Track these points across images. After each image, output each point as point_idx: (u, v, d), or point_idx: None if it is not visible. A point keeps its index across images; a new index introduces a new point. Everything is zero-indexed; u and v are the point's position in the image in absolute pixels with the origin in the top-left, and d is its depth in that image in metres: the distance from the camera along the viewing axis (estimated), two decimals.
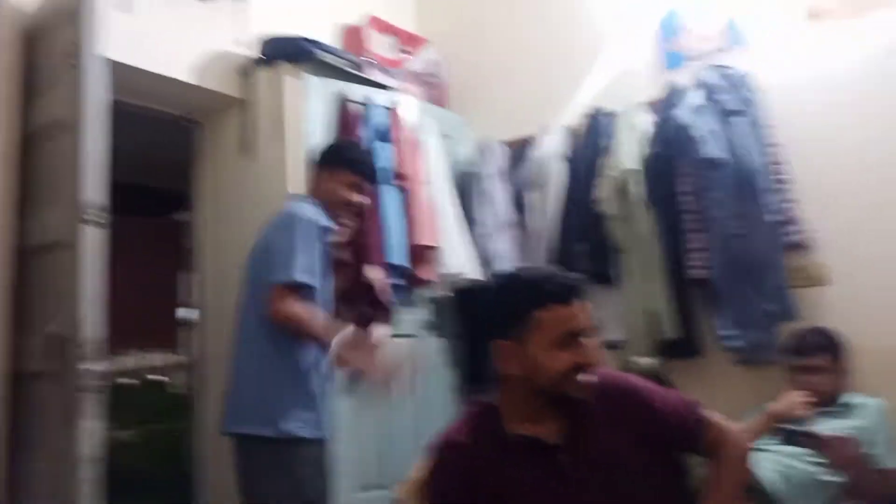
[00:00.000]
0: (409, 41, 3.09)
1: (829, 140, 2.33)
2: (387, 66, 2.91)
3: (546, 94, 2.93)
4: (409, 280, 2.48)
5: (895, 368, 2.18)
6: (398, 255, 2.38)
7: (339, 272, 2.27)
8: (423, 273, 2.49)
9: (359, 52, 2.81)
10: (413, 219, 2.46)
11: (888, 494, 1.97)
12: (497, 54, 3.10)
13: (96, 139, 1.61)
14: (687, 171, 2.33)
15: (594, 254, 2.54)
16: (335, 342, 1.75)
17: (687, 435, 1.27)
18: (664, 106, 2.46)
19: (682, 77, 2.52)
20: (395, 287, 2.37)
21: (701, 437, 1.27)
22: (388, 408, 2.37)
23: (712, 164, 2.23)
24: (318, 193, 1.96)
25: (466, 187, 2.85)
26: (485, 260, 2.67)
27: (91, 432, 1.49)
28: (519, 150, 2.86)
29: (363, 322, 2.28)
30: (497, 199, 2.77)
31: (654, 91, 2.58)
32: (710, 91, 2.36)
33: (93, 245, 1.57)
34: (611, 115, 2.63)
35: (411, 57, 3.07)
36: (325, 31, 2.79)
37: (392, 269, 2.36)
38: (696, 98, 2.36)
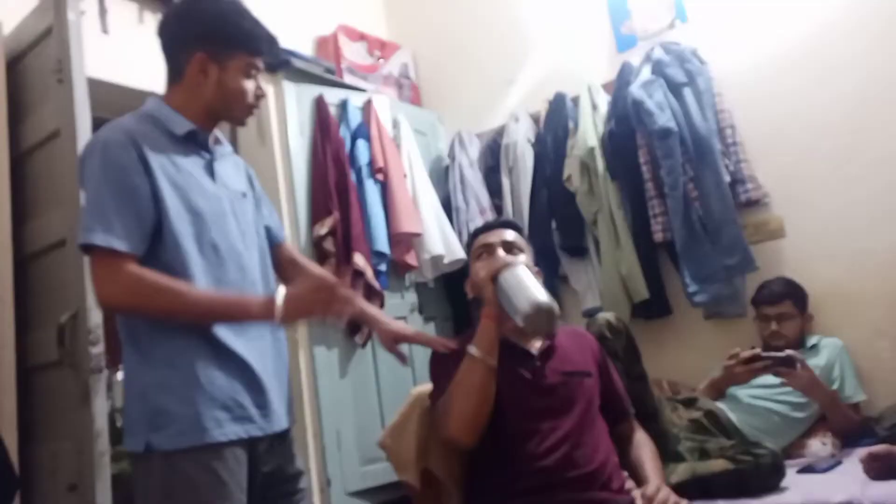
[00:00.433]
0: (381, 47, 3.25)
1: (774, 102, 2.49)
2: (361, 70, 3.08)
3: (511, 84, 3.09)
4: (393, 266, 2.63)
5: (849, 309, 2.32)
6: (381, 242, 2.52)
7: (324, 262, 2.42)
8: (407, 259, 2.63)
9: (333, 59, 2.97)
10: (394, 208, 2.60)
11: (856, 427, 2.10)
12: (463, 53, 3.26)
13: None
14: (643, 142, 2.48)
15: (566, 229, 2.69)
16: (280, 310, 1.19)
17: (621, 403, 1.67)
18: (618, 85, 2.61)
19: (635, 57, 2.68)
20: (380, 273, 2.51)
21: (628, 416, 1.68)
22: (388, 384, 2.52)
23: (664, 133, 2.38)
24: (192, 94, 1.27)
25: (444, 178, 3.01)
26: (468, 242, 2.82)
27: (102, 409, 1.64)
28: (490, 139, 3.02)
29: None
30: (474, 186, 2.92)
31: (611, 73, 2.74)
32: (658, 67, 2.51)
33: None
34: (572, 99, 2.78)
35: (384, 61, 3.24)
36: (300, 42, 2.95)
37: (376, 256, 2.50)
38: (646, 74, 2.51)
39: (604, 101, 2.68)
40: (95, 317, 1.69)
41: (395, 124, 2.84)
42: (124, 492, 1.21)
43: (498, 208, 2.92)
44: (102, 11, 2.26)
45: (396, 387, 2.52)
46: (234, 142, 2.59)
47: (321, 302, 1.21)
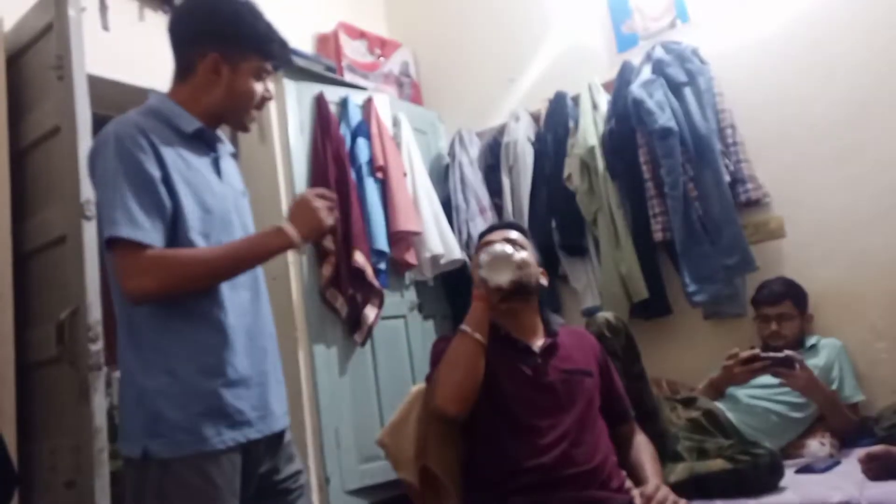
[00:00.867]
0: (381, 45, 3.25)
1: (774, 102, 2.48)
2: (361, 69, 3.08)
3: (512, 83, 3.09)
4: (392, 264, 2.63)
5: (848, 310, 2.32)
6: (381, 241, 2.52)
7: (324, 260, 2.42)
8: (406, 257, 2.63)
9: (334, 57, 2.97)
10: (394, 207, 2.60)
11: (855, 427, 2.10)
12: (464, 51, 3.27)
13: (89, 142, 1.74)
14: (643, 142, 2.48)
15: (566, 228, 2.69)
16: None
17: (622, 405, 1.68)
18: (619, 84, 2.61)
19: (636, 56, 2.68)
20: (379, 271, 2.51)
21: (629, 419, 1.69)
22: (387, 382, 2.52)
23: (664, 133, 2.38)
24: (201, 92, 1.26)
25: (445, 177, 3.00)
26: (467, 242, 2.82)
27: (100, 406, 1.64)
28: (490, 138, 3.02)
29: (354, 307, 2.43)
30: (474, 185, 2.92)
31: (612, 72, 2.74)
32: (659, 66, 2.51)
33: (91, 239, 1.71)
34: (573, 98, 2.78)
35: (385, 59, 3.24)
36: (300, 39, 2.95)
37: (376, 255, 2.50)
38: (646, 74, 2.51)
39: (604, 100, 2.68)
40: (95, 314, 1.69)
41: (396, 122, 2.84)
42: (122, 489, 1.19)
43: (498, 207, 2.92)
44: (103, 8, 2.26)
45: (395, 385, 2.52)
46: (234, 139, 2.59)
47: (317, 209, 1.24)
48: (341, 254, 2.41)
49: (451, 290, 2.86)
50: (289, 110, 2.53)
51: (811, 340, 2.26)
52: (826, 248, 2.38)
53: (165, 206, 1.15)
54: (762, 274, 2.36)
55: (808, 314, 2.30)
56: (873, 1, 2.33)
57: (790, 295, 2.26)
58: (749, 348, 2.28)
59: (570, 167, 2.67)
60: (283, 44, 1.31)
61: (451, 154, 3.00)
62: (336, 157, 2.52)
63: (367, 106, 2.74)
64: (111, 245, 1.13)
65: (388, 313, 2.55)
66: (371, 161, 2.61)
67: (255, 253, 1.21)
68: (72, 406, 1.69)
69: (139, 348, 1.16)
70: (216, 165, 1.28)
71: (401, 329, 2.66)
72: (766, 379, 2.07)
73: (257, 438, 1.20)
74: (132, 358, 1.17)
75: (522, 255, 1.62)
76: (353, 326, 2.44)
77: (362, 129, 2.66)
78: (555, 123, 2.79)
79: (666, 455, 1.75)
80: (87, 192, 1.71)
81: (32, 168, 1.97)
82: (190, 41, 1.26)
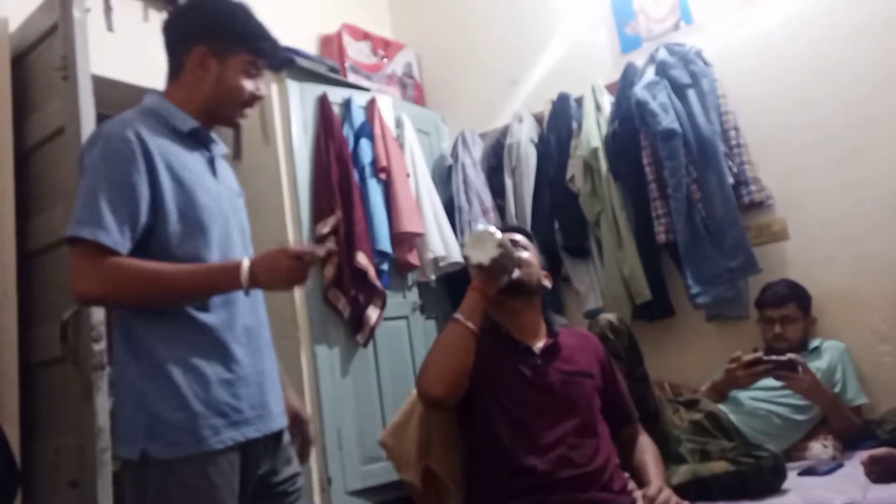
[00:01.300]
0: (384, 46, 3.26)
1: (778, 104, 2.49)
2: (365, 70, 3.09)
3: (515, 84, 3.09)
4: (395, 265, 2.63)
5: (851, 312, 2.32)
6: (383, 242, 2.52)
7: (326, 261, 2.42)
8: (409, 258, 2.63)
9: (337, 58, 2.97)
10: (396, 208, 2.60)
11: (858, 430, 2.10)
12: (467, 52, 3.27)
13: None
14: (646, 143, 2.47)
15: (569, 229, 2.69)
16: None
17: (625, 408, 1.67)
18: (622, 85, 2.61)
19: (639, 58, 2.67)
20: (382, 272, 2.51)
21: (633, 421, 1.68)
22: (389, 383, 2.52)
23: (668, 135, 2.38)
24: (192, 89, 1.26)
25: (448, 178, 3.01)
26: None
27: (104, 405, 1.64)
28: (494, 139, 3.02)
29: (356, 307, 2.43)
30: (477, 186, 2.92)
31: (615, 73, 2.73)
32: (662, 68, 2.51)
33: None
34: (576, 99, 2.78)
35: (388, 60, 3.24)
36: (304, 40, 2.95)
37: (379, 256, 2.51)
38: (649, 75, 2.51)
39: (607, 101, 2.68)
40: (98, 314, 1.70)
41: (399, 124, 2.85)
42: (123, 490, 1.19)
43: (501, 208, 2.92)
44: (108, 9, 2.26)
45: (397, 386, 2.52)
46: (237, 140, 2.60)
47: (285, 269, 1.15)
48: (344, 254, 2.41)
49: (454, 291, 2.85)
50: (292, 111, 2.53)
51: (814, 343, 2.25)
52: (829, 250, 2.37)
53: (140, 213, 1.13)
54: (765, 276, 2.35)
55: (811, 317, 2.30)
56: (877, 5, 2.33)
57: (794, 297, 2.26)
58: (752, 351, 2.27)
59: (574, 169, 2.67)
60: (273, 43, 1.30)
61: (454, 155, 3.00)
62: (339, 157, 2.52)
63: (371, 107, 2.74)
64: (72, 243, 1.12)
65: (390, 314, 2.55)
66: (374, 162, 2.62)
67: (205, 287, 1.16)
68: (75, 405, 1.70)
69: (134, 350, 1.16)
70: (211, 165, 1.28)
71: (403, 330, 2.67)
72: (769, 381, 2.06)
73: (256, 437, 1.19)
74: (128, 360, 1.16)
75: (523, 254, 1.62)
76: (356, 327, 2.45)
77: (365, 130, 2.66)
78: (558, 125, 2.79)
79: (668, 457, 1.75)
80: None
81: (37, 168, 1.98)
82: (180, 39, 1.27)
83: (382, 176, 2.63)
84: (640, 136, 2.49)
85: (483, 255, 1.48)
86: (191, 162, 1.23)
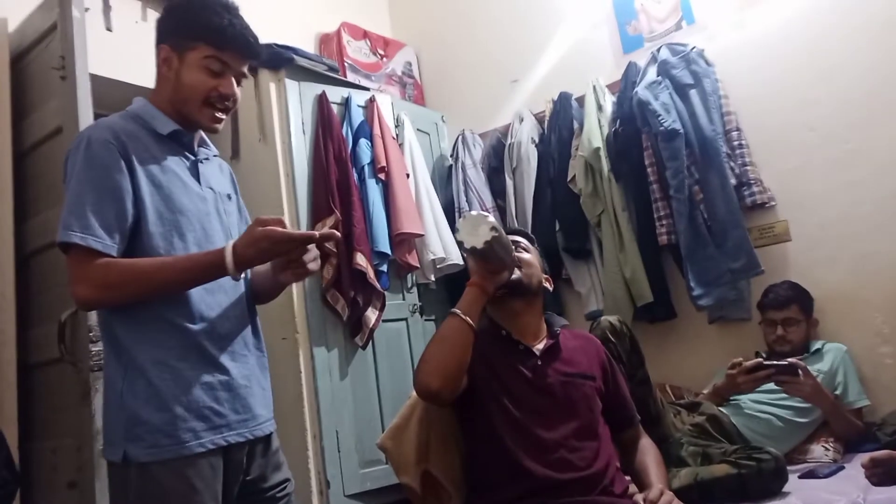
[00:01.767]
0: (384, 45, 3.25)
1: (780, 105, 2.48)
2: (364, 69, 3.08)
3: (516, 84, 3.08)
4: (394, 266, 2.62)
5: (853, 314, 2.31)
6: (383, 243, 2.51)
7: (325, 261, 2.41)
8: (408, 259, 2.63)
9: (336, 57, 2.97)
10: (396, 208, 2.59)
11: (860, 433, 2.09)
12: (468, 51, 3.26)
13: None
14: (648, 144, 2.46)
15: (570, 230, 2.68)
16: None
17: (627, 410, 1.65)
18: (624, 85, 2.60)
19: (641, 58, 2.66)
20: (381, 273, 2.50)
21: (634, 423, 1.66)
22: (388, 385, 2.52)
23: (670, 135, 2.36)
24: (164, 90, 1.26)
25: (448, 178, 3.00)
26: None
27: (101, 406, 1.63)
28: (494, 139, 3.01)
29: (355, 309, 2.42)
30: (477, 186, 2.91)
31: (617, 73, 2.73)
32: (664, 68, 2.50)
33: None
34: (577, 99, 2.77)
35: (387, 59, 3.23)
36: (303, 39, 2.94)
37: (378, 257, 2.49)
38: (651, 75, 2.50)
39: (609, 101, 2.67)
40: (96, 315, 1.68)
41: (398, 123, 2.84)
42: None
43: (501, 209, 2.91)
44: (106, 9, 2.26)
45: (396, 388, 2.52)
46: (235, 139, 2.59)
47: (261, 237, 1.12)
48: (343, 255, 2.40)
49: (454, 292, 2.84)
50: (290, 110, 2.52)
51: (816, 345, 2.25)
52: (831, 251, 2.37)
53: (126, 214, 1.14)
54: (767, 278, 2.34)
55: (813, 319, 2.29)
56: (877, 6, 2.32)
57: (796, 299, 2.25)
58: (754, 353, 2.27)
59: (575, 169, 2.66)
60: (239, 35, 1.24)
61: (455, 155, 2.99)
62: (338, 157, 2.51)
63: (370, 106, 2.73)
64: (64, 249, 1.13)
65: (389, 316, 2.54)
66: (373, 162, 2.60)
67: (195, 275, 1.16)
68: (73, 406, 1.69)
69: (117, 353, 1.16)
70: (195, 169, 1.27)
71: (402, 332, 2.66)
72: (771, 384, 2.05)
73: (239, 442, 1.19)
74: (111, 362, 1.17)
75: (524, 255, 1.61)
76: (355, 329, 2.44)
77: (364, 130, 2.65)
78: (559, 125, 2.78)
79: (669, 460, 1.74)
80: None
81: (35, 168, 1.97)
82: (155, 42, 1.27)
83: (382, 176, 2.62)
84: (641, 137, 2.48)
85: (476, 239, 1.44)
86: (171, 165, 1.23)
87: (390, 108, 2.82)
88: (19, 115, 2.00)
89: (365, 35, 3.16)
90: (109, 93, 2.13)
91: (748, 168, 2.43)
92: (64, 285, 1.76)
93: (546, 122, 2.85)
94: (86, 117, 1.77)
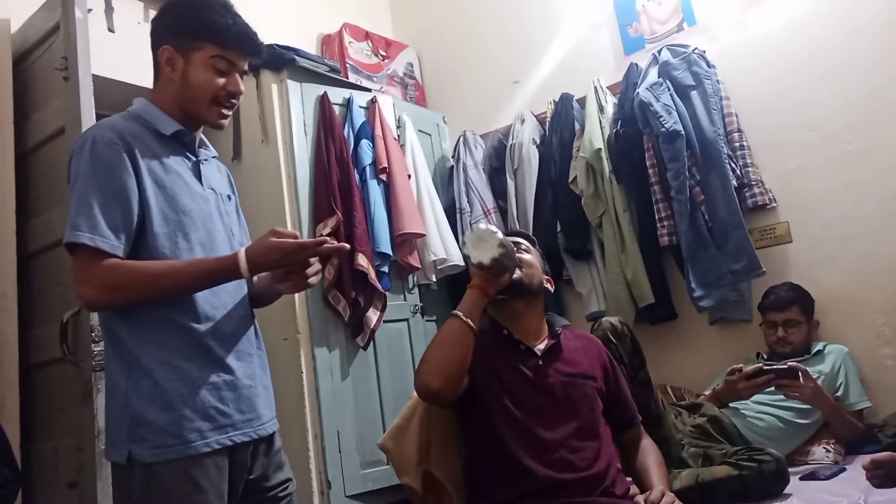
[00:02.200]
0: (386, 46, 3.25)
1: (781, 106, 2.47)
2: (366, 70, 3.08)
3: (517, 85, 3.09)
4: (396, 267, 2.62)
5: (854, 316, 2.31)
6: (384, 243, 2.51)
7: (326, 262, 2.42)
8: (409, 260, 2.63)
9: (338, 58, 2.97)
10: (397, 209, 2.59)
11: (861, 435, 2.08)
12: (469, 52, 3.26)
13: None
14: (649, 145, 2.46)
15: (571, 231, 2.68)
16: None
17: (628, 411, 1.65)
18: (625, 86, 2.60)
19: (642, 59, 2.66)
20: (382, 274, 2.50)
21: (635, 424, 1.66)
22: (389, 386, 2.52)
23: (672, 136, 2.36)
24: (166, 90, 1.26)
25: (449, 179, 3.00)
26: None
27: (103, 406, 1.63)
28: (495, 140, 3.01)
29: (356, 309, 2.42)
30: (479, 187, 2.92)
31: (618, 74, 2.73)
32: (665, 69, 2.50)
33: None
34: (578, 100, 2.77)
35: (389, 60, 3.23)
36: (305, 40, 2.95)
37: (379, 257, 2.50)
38: (652, 77, 2.50)
39: (610, 102, 2.67)
40: (97, 315, 1.69)
41: (400, 124, 2.84)
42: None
43: (503, 210, 2.92)
44: (108, 10, 2.26)
45: (397, 388, 2.52)
46: (237, 140, 2.59)
47: (274, 247, 1.16)
48: (344, 256, 2.40)
49: (455, 293, 2.85)
50: (292, 111, 2.52)
51: (817, 346, 2.24)
52: (832, 253, 2.36)
53: (132, 215, 1.15)
54: (768, 279, 2.34)
55: (814, 320, 2.29)
56: (878, 6, 2.32)
57: (797, 301, 2.25)
58: (755, 355, 2.27)
59: (576, 170, 2.66)
60: (242, 34, 1.26)
61: (456, 156, 2.99)
62: (339, 158, 2.51)
63: (371, 107, 2.73)
64: (71, 249, 1.13)
65: (390, 316, 2.54)
66: (375, 163, 2.61)
67: (205, 283, 1.17)
68: (75, 406, 1.70)
69: (120, 354, 1.16)
70: (196, 169, 1.28)
71: (403, 332, 2.66)
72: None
73: (244, 441, 1.19)
74: (114, 363, 1.17)
75: (525, 256, 1.61)
76: (356, 329, 2.44)
77: (366, 131, 2.65)
78: (560, 126, 2.78)
79: (670, 461, 1.74)
80: None
81: (37, 169, 1.97)
82: (154, 42, 1.28)
83: (383, 177, 2.62)
84: (643, 138, 2.48)
85: (484, 255, 1.46)
86: (174, 166, 1.23)
87: (392, 109, 2.82)
88: (22, 116, 2.00)
89: (366, 36, 3.17)
90: (111, 93, 2.13)
91: (749, 169, 2.43)
92: (66, 285, 1.77)
93: (547, 123, 2.85)
94: (88, 118, 1.78)
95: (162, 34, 1.26)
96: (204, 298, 1.19)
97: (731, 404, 2.09)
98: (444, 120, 3.18)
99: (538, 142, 2.85)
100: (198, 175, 1.28)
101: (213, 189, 1.30)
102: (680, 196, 2.36)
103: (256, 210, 2.36)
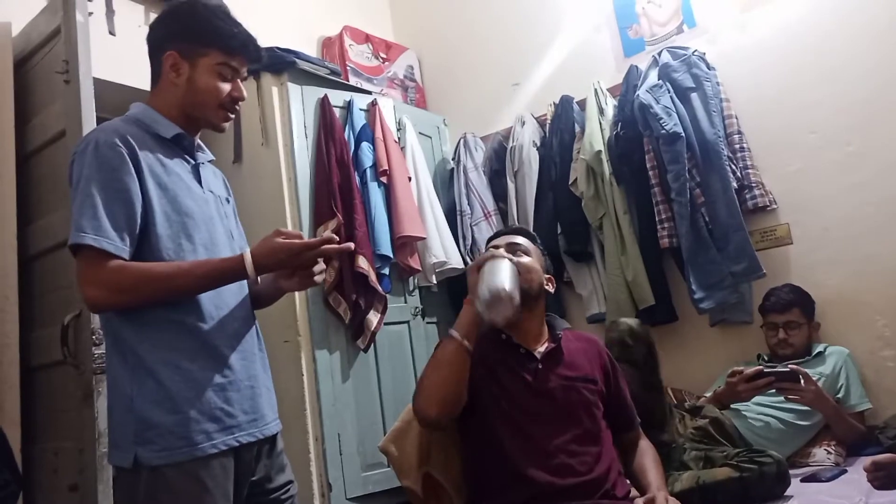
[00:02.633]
0: (386, 48, 3.26)
1: (781, 108, 2.48)
2: (366, 72, 3.09)
3: (518, 87, 3.09)
4: (396, 269, 2.62)
5: (855, 317, 2.31)
6: (384, 246, 2.51)
7: (326, 265, 2.41)
8: (410, 262, 2.63)
9: (338, 61, 2.97)
10: (398, 211, 2.59)
11: (862, 437, 2.08)
12: (469, 55, 3.27)
13: None
14: (649, 147, 2.47)
15: (571, 233, 2.68)
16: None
17: (627, 413, 1.64)
18: (625, 88, 2.60)
19: (642, 61, 2.67)
20: (383, 276, 2.50)
21: (634, 427, 1.65)
22: (390, 388, 2.52)
23: (672, 138, 2.37)
24: (169, 94, 1.27)
25: (449, 181, 3.00)
26: (471, 247, 2.82)
27: (104, 409, 1.63)
28: (496, 142, 3.02)
29: (357, 312, 2.42)
30: (479, 189, 2.92)
31: (618, 76, 2.73)
32: (665, 71, 2.50)
33: None
34: (578, 102, 2.78)
35: (389, 63, 3.24)
36: (305, 43, 2.95)
37: (380, 260, 2.50)
38: (652, 79, 2.50)
39: (610, 104, 2.67)
40: (99, 317, 1.69)
41: (400, 126, 2.84)
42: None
43: (503, 212, 2.92)
44: (109, 13, 2.27)
45: (398, 391, 2.52)
46: (237, 143, 2.59)
47: (280, 248, 1.17)
48: (345, 259, 2.40)
49: (456, 295, 2.84)
50: (293, 114, 2.53)
51: (818, 348, 2.25)
52: (833, 254, 2.36)
53: (136, 217, 1.15)
54: (769, 281, 2.34)
55: (815, 322, 2.29)
56: (879, 9, 2.32)
57: (798, 303, 2.25)
58: (756, 357, 2.26)
59: (576, 172, 2.67)
60: (247, 41, 1.28)
61: (456, 158, 3.00)
62: (340, 160, 2.51)
63: (372, 110, 2.73)
64: (75, 251, 1.13)
65: (391, 319, 2.54)
66: (375, 165, 2.61)
67: (210, 285, 1.18)
68: (75, 409, 1.70)
69: (123, 355, 1.15)
70: (196, 172, 1.29)
71: (404, 334, 2.66)
72: None
73: (250, 442, 1.20)
74: (118, 365, 1.16)
75: (524, 259, 1.60)
76: (357, 332, 2.44)
77: (366, 133, 2.65)
78: (560, 128, 2.78)
79: (672, 464, 1.74)
80: None
81: (38, 171, 1.98)
82: (155, 46, 1.28)
83: (383, 179, 2.62)
84: (643, 140, 2.48)
85: (497, 316, 1.41)
86: (175, 168, 1.24)
87: (392, 112, 2.83)
88: (23, 119, 2.01)
89: (367, 39, 3.17)
90: (112, 96, 2.14)
91: (749, 171, 2.43)
92: (67, 288, 1.78)
93: (547, 126, 2.86)
94: (89, 121, 1.78)
95: (166, 40, 1.27)
96: (208, 298, 1.20)
97: (731, 406, 2.09)
98: (444, 122, 3.18)
99: (538, 144, 2.85)
100: (197, 178, 1.29)
101: (212, 192, 1.31)
102: (680, 198, 2.36)
103: (257, 212, 2.37)
